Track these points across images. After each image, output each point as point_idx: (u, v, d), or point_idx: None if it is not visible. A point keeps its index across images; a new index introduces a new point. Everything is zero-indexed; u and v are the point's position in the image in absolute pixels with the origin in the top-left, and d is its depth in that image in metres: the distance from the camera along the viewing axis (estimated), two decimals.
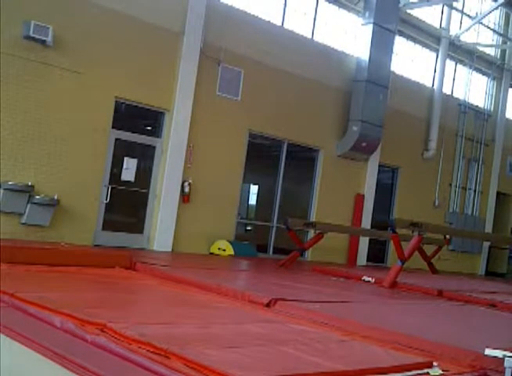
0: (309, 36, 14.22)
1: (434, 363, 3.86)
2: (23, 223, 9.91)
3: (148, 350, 3.27)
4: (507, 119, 19.79)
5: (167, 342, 3.35)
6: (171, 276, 7.23)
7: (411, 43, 16.79)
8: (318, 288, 7.86)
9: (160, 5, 11.44)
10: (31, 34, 9.66)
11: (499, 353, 3.82)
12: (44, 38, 9.83)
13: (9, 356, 3.43)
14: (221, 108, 12.50)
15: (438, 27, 17.31)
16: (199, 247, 12.25)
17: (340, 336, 4.57)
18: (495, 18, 19.32)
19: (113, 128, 11.07)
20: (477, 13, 18.23)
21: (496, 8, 18.16)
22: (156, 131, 11.99)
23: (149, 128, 12.25)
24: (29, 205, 9.85)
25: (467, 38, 18.02)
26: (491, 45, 19.29)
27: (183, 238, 11.99)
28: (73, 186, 10.49)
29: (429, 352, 4.30)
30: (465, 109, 18.30)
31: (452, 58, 17.89)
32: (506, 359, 3.62)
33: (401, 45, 16.33)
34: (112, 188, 11.15)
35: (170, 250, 11.72)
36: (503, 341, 4.67)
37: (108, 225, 11.19)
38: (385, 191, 16.60)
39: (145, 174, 11.73)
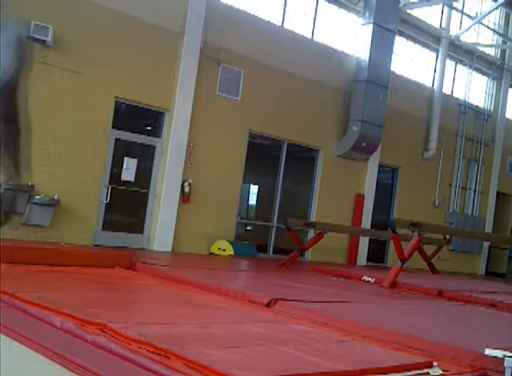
0: (309, 36, 14.22)
1: (434, 363, 3.86)
2: (23, 223, 9.91)
3: (148, 350, 3.27)
4: (507, 119, 19.80)
5: (167, 342, 3.35)
6: (171, 276, 7.23)
7: (411, 43, 16.79)
8: (318, 288, 7.86)
9: (160, 5, 11.44)
10: (31, 34, 9.66)
11: (499, 353, 3.82)
12: (44, 38, 9.83)
13: (8, 356, 3.43)
14: (221, 108, 12.50)
15: (438, 27, 17.32)
16: (199, 247, 12.25)
17: (340, 336, 4.57)
18: (495, 18, 19.33)
19: (113, 128, 11.07)
20: (477, 13, 18.23)
21: (496, 8, 18.16)
22: (156, 131, 11.99)
23: (149, 128, 12.25)
24: (29, 205, 9.85)
25: (467, 38, 18.02)
26: (491, 45, 19.29)
27: (183, 238, 11.99)
28: (73, 186, 10.49)
29: (429, 352, 4.30)
30: (465, 109, 18.30)
31: (452, 58, 17.89)
32: (506, 359, 3.62)
33: (401, 45, 16.33)
34: (112, 188, 11.15)
35: (170, 250, 11.73)
36: (503, 341, 4.67)
37: (108, 225, 11.19)
38: (385, 191, 16.60)
39: (145, 174, 11.73)
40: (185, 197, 12.00)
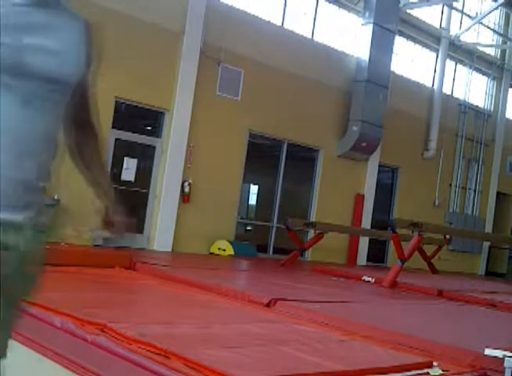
0: (309, 36, 14.22)
1: (434, 363, 3.86)
2: None
3: (148, 350, 3.27)
4: (507, 119, 19.79)
5: (167, 342, 3.35)
6: (171, 276, 7.23)
7: (411, 43, 16.79)
8: (318, 288, 7.86)
9: (160, 5, 11.43)
10: None
11: (499, 353, 3.82)
12: None
13: (9, 356, 3.43)
14: (221, 108, 12.49)
15: (438, 27, 17.31)
16: (199, 247, 12.25)
17: (340, 336, 4.57)
18: (495, 18, 19.32)
19: (113, 128, 11.07)
20: (477, 13, 18.22)
21: (496, 8, 18.15)
22: (156, 132, 11.99)
23: (149, 128, 12.25)
24: None
25: (467, 38, 18.01)
26: (491, 45, 19.29)
27: (183, 238, 11.98)
28: (73, 186, 10.46)
29: (429, 352, 4.30)
30: (465, 109, 18.30)
31: (452, 58, 17.89)
32: (506, 359, 3.63)
33: (401, 45, 16.32)
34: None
35: (170, 250, 11.72)
36: (503, 341, 4.67)
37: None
38: (385, 191, 16.60)
39: (145, 174, 11.73)
40: (185, 197, 12.00)
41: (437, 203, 17.69)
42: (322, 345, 3.97)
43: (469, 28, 17.76)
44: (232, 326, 4.49)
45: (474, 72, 18.64)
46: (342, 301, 6.73)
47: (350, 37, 15.04)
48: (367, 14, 14.75)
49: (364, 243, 15.51)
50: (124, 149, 11.42)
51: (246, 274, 9.80)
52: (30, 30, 1.53)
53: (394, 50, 15.27)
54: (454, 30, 17.64)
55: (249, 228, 15.50)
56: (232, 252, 12.16)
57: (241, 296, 6.15)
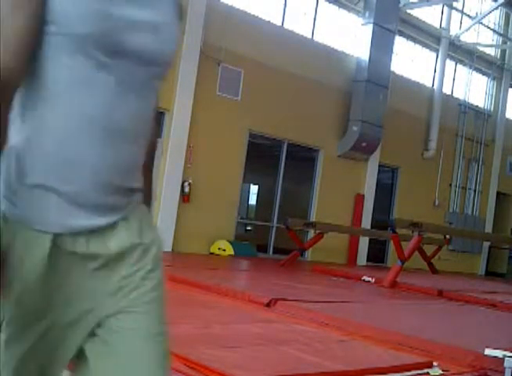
0: (309, 36, 14.22)
1: (434, 363, 3.86)
2: None
3: None
4: (507, 119, 19.79)
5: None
6: (171, 276, 7.22)
7: (411, 43, 16.79)
8: (318, 288, 7.86)
9: None
10: None
11: (499, 353, 3.82)
12: None
13: None
14: (221, 108, 12.49)
15: (438, 27, 17.32)
16: (199, 247, 12.25)
17: (340, 336, 4.57)
18: (495, 18, 19.32)
19: None
20: (477, 13, 18.22)
21: (496, 8, 18.15)
22: None
23: None
24: None
25: (467, 38, 18.02)
26: (491, 45, 19.29)
27: (183, 238, 11.99)
28: None
29: (429, 352, 4.30)
30: (465, 109, 18.30)
31: (452, 58, 17.89)
32: (506, 359, 3.63)
33: (401, 45, 16.33)
34: None
35: (170, 250, 11.72)
36: (503, 341, 4.67)
37: None
38: (385, 191, 16.60)
39: None
40: (185, 197, 12.00)
41: (437, 203, 17.69)
42: (322, 345, 3.97)
43: (469, 28, 17.77)
44: (232, 326, 4.49)
45: (474, 72, 18.64)
46: (342, 301, 6.73)
47: (350, 37, 15.04)
48: (367, 14, 14.75)
49: (364, 243, 15.51)
50: None
51: (247, 274, 9.80)
52: (126, 1, 1.27)
53: (394, 50, 15.27)
54: (454, 30, 17.65)
55: (249, 228, 15.52)
56: (232, 252, 12.16)
57: (241, 296, 6.15)
